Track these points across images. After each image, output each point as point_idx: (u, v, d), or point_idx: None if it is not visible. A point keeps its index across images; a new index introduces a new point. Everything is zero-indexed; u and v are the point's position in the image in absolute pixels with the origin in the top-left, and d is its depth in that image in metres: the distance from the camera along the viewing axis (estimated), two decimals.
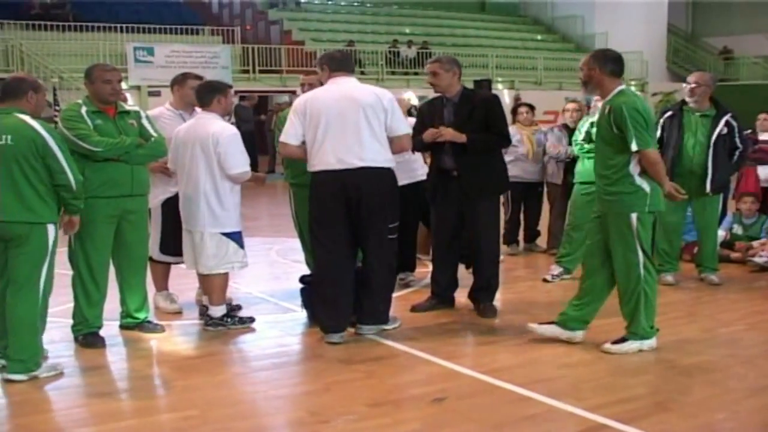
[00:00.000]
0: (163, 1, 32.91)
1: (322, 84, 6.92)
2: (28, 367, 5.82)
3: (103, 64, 6.78)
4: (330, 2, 38.41)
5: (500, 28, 38.85)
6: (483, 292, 7.59)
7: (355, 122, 6.58)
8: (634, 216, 6.32)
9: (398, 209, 6.90)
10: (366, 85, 6.99)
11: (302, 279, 7.26)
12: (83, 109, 6.52)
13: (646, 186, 6.30)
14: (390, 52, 31.39)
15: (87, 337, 6.60)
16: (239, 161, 6.89)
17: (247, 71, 27.78)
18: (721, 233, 9.79)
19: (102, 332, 6.72)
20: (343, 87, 6.74)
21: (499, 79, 31.29)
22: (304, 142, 6.73)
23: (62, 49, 25.64)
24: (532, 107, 10.81)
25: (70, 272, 6.66)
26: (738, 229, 10.05)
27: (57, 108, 19.03)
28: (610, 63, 6.35)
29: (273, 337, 7.11)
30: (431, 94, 7.72)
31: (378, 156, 6.64)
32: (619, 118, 6.20)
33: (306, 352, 6.60)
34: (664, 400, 5.37)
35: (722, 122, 8.43)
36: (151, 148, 6.70)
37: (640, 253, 6.36)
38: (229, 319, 7.13)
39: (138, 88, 25.22)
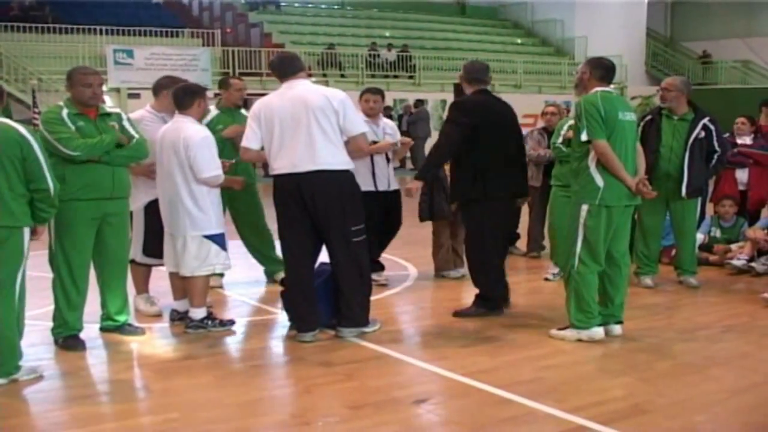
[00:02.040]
0: (143, 3, 32.83)
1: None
2: (7, 370, 5.80)
3: (83, 67, 6.74)
4: (310, 5, 38.43)
5: (480, 31, 38.95)
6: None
7: (306, 126, 6.60)
8: (584, 207, 6.67)
9: (360, 211, 6.90)
10: (318, 87, 7.03)
11: (282, 282, 7.26)
12: (64, 112, 6.50)
13: (599, 179, 6.62)
14: (370, 55, 31.42)
15: (67, 339, 6.58)
16: (209, 165, 6.86)
17: (227, 74, 27.74)
18: (700, 236, 9.84)
19: (82, 335, 6.69)
20: (295, 91, 6.75)
21: None
22: (263, 147, 6.81)
23: (41, 51, 25.57)
24: None
25: (51, 275, 6.64)
26: (716, 232, 10.11)
27: (36, 110, 19.01)
28: (601, 69, 6.82)
29: (254, 339, 7.12)
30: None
31: (332, 158, 6.66)
32: (577, 111, 6.66)
33: (287, 355, 6.60)
34: (642, 402, 5.41)
35: (699, 126, 8.47)
36: (133, 149, 6.69)
37: (579, 245, 6.68)
38: (209, 322, 7.12)
39: (118, 90, 25.17)
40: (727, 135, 10.32)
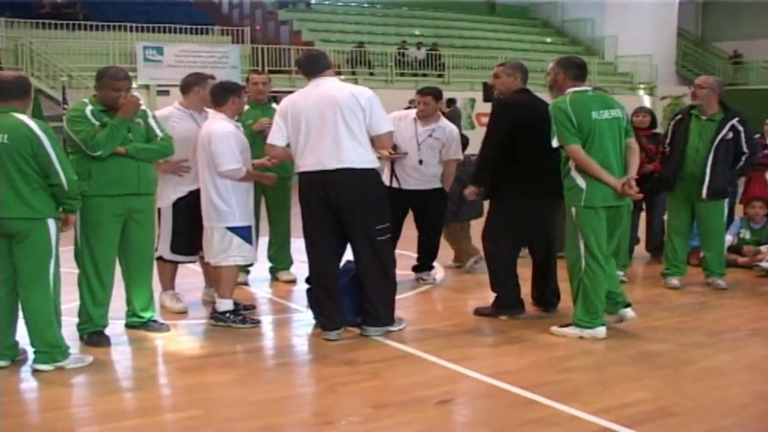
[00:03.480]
0: (173, 1, 32.93)
1: None
2: (53, 357, 5.95)
3: (115, 71, 6.69)
4: (340, 3, 38.43)
5: (510, 30, 38.82)
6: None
7: (333, 123, 6.60)
8: (573, 210, 6.76)
9: (385, 210, 6.90)
10: (345, 85, 7.01)
11: (308, 279, 7.26)
12: (88, 109, 6.52)
13: (581, 181, 6.69)
14: (399, 53, 31.37)
15: (92, 335, 6.61)
16: (228, 159, 6.94)
17: (256, 71, 27.75)
18: (729, 238, 9.77)
19: (107, 331, 6.73)
20: (322, 88, 6.76)
21: None
22: (289, 144, 6.81)
23: (72, 48, 25.68)
24: None
25: (76, 271, 6.67)
26: (746, 234, 10.01)
27: (65, 107, 19.09)
28: (574, 68, 6.88)
29: (279, 337, 7.13)
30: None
31: (357, 157, 6.65)
32: (550, 116, 6.68)
33: (311, 353, 6.59)
34: (668, 405, 5.36)
35: (727, 127, 8.35)
36: (158, 145, 6.72)
37: (581, 247, 6.73)
38: (231, 316, 7.14)
39: (147, 87, 25.25)
40: (757, 136, 10.24)
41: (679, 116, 8.75)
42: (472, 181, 7.57)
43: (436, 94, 8.67)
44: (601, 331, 6.78)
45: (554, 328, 6.93)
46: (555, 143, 6.68)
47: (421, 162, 8.47)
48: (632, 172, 6.82)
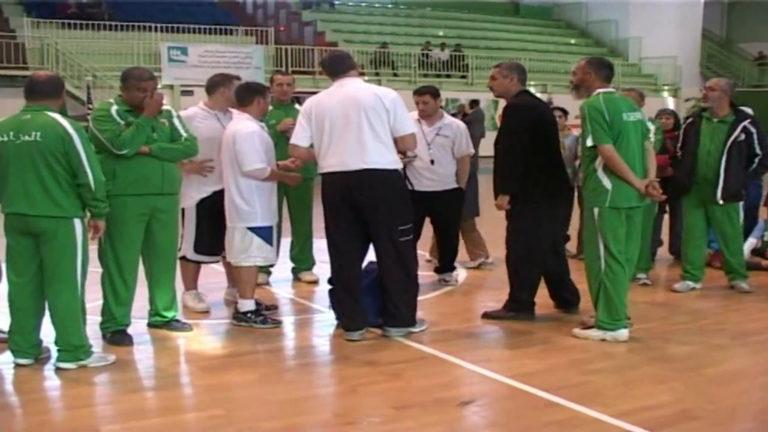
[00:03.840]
0: (198, 1, 33.06)
1: None
2: (76, 356, 5.99)
3: (140, 72, 6.75)
4: (364, 4, 38.48)
5: (533, 31, 38.80)
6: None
7: (357, 124, 6.60)
8: (596, 210, 6.72)
9: (409, 211, 6.91)
10: (369, 85, 7.02)
11: (330, 280, 7.27)
12: (113, 108, 6.56)
13: (607, 182, 6.67)
14: (423, 54, 31.38)
15: (115, 334, 6.64)
16: (251, 159, 6.96)
17: (281, 72, 27.79)
18: (753, 240, 9.72)
19: (130, 330, 6.76)
20: (347, 89, 6.77)
21: (532, 82, 31.16)
22: (312, 145, 6.82)
23: (97, 48, 25.88)
24: (564, 111, 10.74)
25: (99, 270, 6.70)
26: None
27: (90, 106, 19.23)
28: (605, 69, 6.86)
29: (300, 338, 7.14)
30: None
31: (381, 158, 6.65)
32: (582, 115, 6.66)
33: (333, 354, 6.60)
34: (691, 408, 5.33)
35: (739, 128, 8.26)
36: (183, 145, 6.75)
37: (601, 248, 6.71)
38: (252, 316, 7.17)
39: (171, 87, 25.37)
40: None
41: (690, 119, 8.71)
42: (500, 190, 7.41)
43: (434, 92, 8.63)
44: (623, 333, 6.75)
45: (576, 330, 6.90)
46: (590, 142, 6.63)
47: (432, 162, 8.45)
48: (652, 175, 6.85)
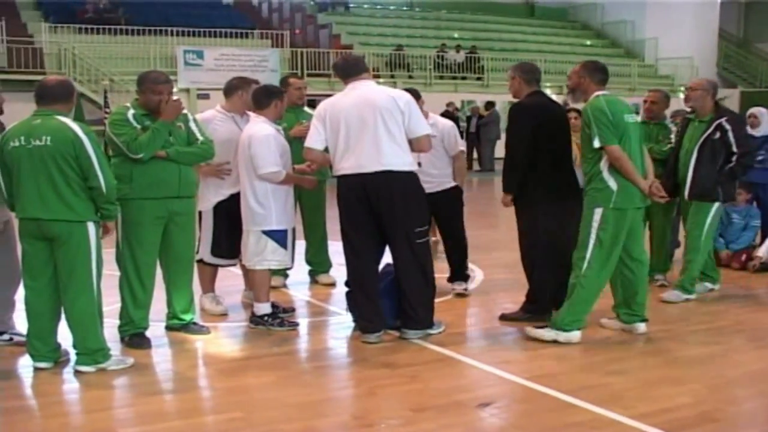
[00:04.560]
0: (214, 5, 33.16)
1: None
2: (94, 359, 6.01)
3: (155, 75, 6.80)
4: (379, 6, 38.47)
5: (549, 32, 38.68)
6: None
7: (373, 126, 6.60)
8: (598, 211, 6.69)
9: (424, 213, 6.92)
10: (383, 87, 7.04)
11: (347, 282, 7.27)
12: (130, 113, 6.58)
13: (613, 183, 6.66)
14: (438, 56, 31.38)
15: (133, 337, 6.66)
16: (267, 162, 6.96)
17: (295, 75, 27.90)
18: None
19: (148, 333, 6.77)
20: (361, 91, 6.77)
21: (548, 84, 31.13)
22: (327, 148, 6.82)
23: (114, 52, 25.97)
24: (579, 112, 10.69)
25: (118, 273, 6.72)
26: None
27: (107, 111, 19.31)
28: (599, 73, 6.90)
29: (317, 340, 7.15)
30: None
31: (397, 159, 6.65)
32: (585, 118, 6.68)
33: (351, 356, 6.60)
34: (711, 410, 5.31)
35: (713, 126, 8.01)
36: (199, 149, 6.76)
37: (590, 248, 6.69)
38: (269, 319, 7.18)
39: (187, 90, 25.44)
40: None
41: (682, 121, 8.61)
42: (504, 188, 7.44)
43: (414, 93, 7.86)
44: (576, 335, 6.74)
45: (529, 329, 6.89)
46: (597, 143, 6.61)
47: (419, 164, 8.14)
48: (651, 176, 6.90)
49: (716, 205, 8.14)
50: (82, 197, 5.88)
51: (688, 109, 8.53)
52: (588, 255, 6.70)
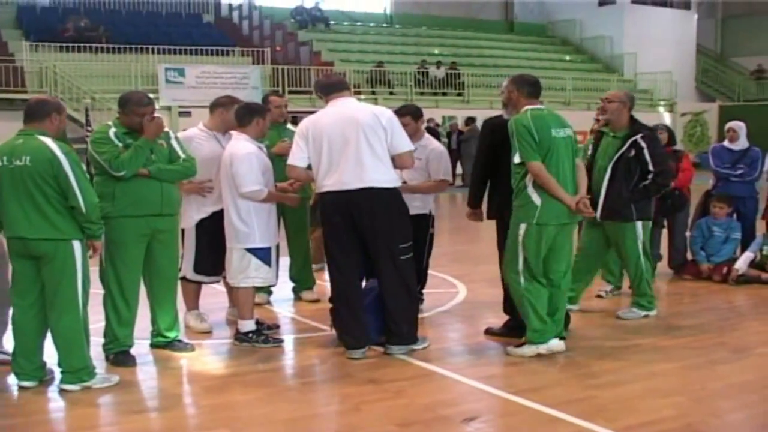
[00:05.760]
0: (194, 23, 33.18)
1: None
2: (79, 377, 6.01)
3: (139, 97, 6.78)
4: (359, 23, 38.55)
5: (529, 48, 38.88)
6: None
7: (356, 143, 6.62)
8: (522, 227, 6.69)
9: (408, 229, 6.93)
10: (365, 104, 7.05)
11: (332, 299, 7.28)
12: (112, 131, 6.60)
13: (536, 198, 6.63)
14: (419, 72, 31.47)
15: (118, 355, 6.65)
16: (248, 180, 6.97)
17: (277, 92, 27.90)
18: (750, 254, 9.73)
19: (133, 351, 6.76)
20: (342, 108, 6.80)
21: None
22: (310, 165, 6.84)
23: (95, 70, 25.93)
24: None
25: (101, 291, 6.72)
26: None
27: (89, 129, 19.24)
28: (527, 86, 6.85)
29: (303, 356, 7.14)
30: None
31: (380, 176, 6.68)
32: (509, 132, 6.64)
33: (336, 372, 6.59)
34: (695, 422, 5.34)
35: (628, 143, 7.76)
36: (181, 166, 6.77)
37: (521, 262, 6.73)
38: (253, 336, 7.18)
39: (169, 108, 25.41)
40: None
41: (596, 136, 8.29)
42: (468, 204, 7.57)
43: (414, 113, 8.06)
44: (557, 343, 6.79)
45: (510, 349, 6.91)
46: (517, 159, 6.63)
47: (404, 182, 7.61)
48: (583, 191, 6.81)
49: (639, 223, 7.97)
50: (66, 216, 5.89)
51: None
52: (520, 268, 6.75)
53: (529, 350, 6.78)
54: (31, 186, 5.81)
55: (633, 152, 7.75)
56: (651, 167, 7.77)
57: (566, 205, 6.65)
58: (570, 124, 6.89)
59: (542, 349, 6.74)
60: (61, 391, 5.98)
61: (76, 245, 5.96)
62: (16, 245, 5.96)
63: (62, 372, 6.03)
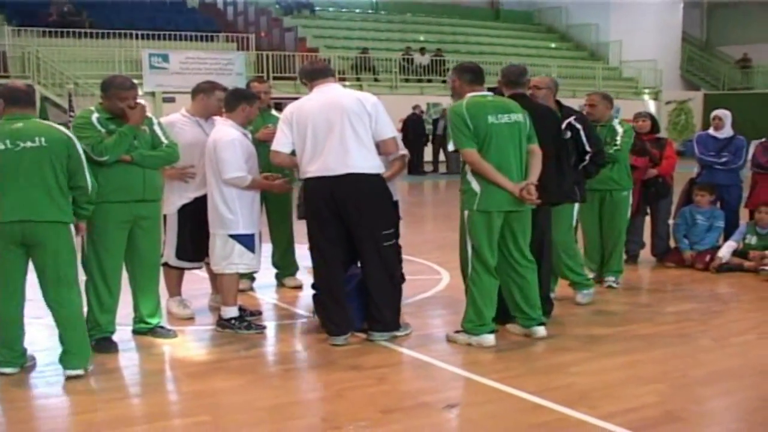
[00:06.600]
0: (179, 8, 33.06)
1: None
2: (86, 359, 6.03)
3: (121, 80, 6.76)
4: (344, 9, 38.48)
5: (514, 35, 38.89)
6: None
7: (340, 129, 6.61)
8: (465, 213, 6.70)
9: (391, 215, 6.95)
10: (349, 90, 7.05)
11: (314, 285, 7.27)
12: (94, 116, 6.57)
13: (476, 185, 6.62)
14: (404, 59, 31.46)
15: (100, 342, 6.61)
16: (232, 166, 6.95)
17: (261, 77, 27.83)
18: (733, 243, 9.76)
19: (115, 337, 6.73)
20: (327, 94, 6.79)
21: None
22: (294, 151, 6.82)
23: (78, 55, 25.83)
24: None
25: (84, 277, 6.68)
26: (752, 240, 9.89)
27: (72, 114, 19.22)
28: (468, 73, 6.85)
29: (285, 343, 7.14)
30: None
31: (364, 162, 6.67)
32: (447, 120, 6.69)
33: (318, 359, 6.58)
34: (676, 409, 5.36)
35: (563, 126, 7.64)
36: (164, 152, 6.74)
37: (470, 251, 6.72)
38: (236, 322, 7.17)
39: (153, 94, 25.34)
40: (763, 140, 10.23)
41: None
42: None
43: None
44: (487, 338, 6.71)
45: (449, 333, 6.93)
46: (451, 147, 6.70)
47: None
48: (533, 178, 6.68)
49: (576, 205, 7.98)
50: (67, 198, 5.92)
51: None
52: (469, 258, 6.74)
53: (462, 338, 6.78)
54: (46, 167, 5.79)
55: (569, 134, 7.69)
56: (588, 147, 7.74)
57: (508, 191, 6.55)
58: (521, 110, 6.75)
59: (473, 341, 6.70)
60: (69, 378, 5.91)
61: (72, 229, 6.00)
62: (12, 230, 5.81)
63: (72, 356, 5.96)
